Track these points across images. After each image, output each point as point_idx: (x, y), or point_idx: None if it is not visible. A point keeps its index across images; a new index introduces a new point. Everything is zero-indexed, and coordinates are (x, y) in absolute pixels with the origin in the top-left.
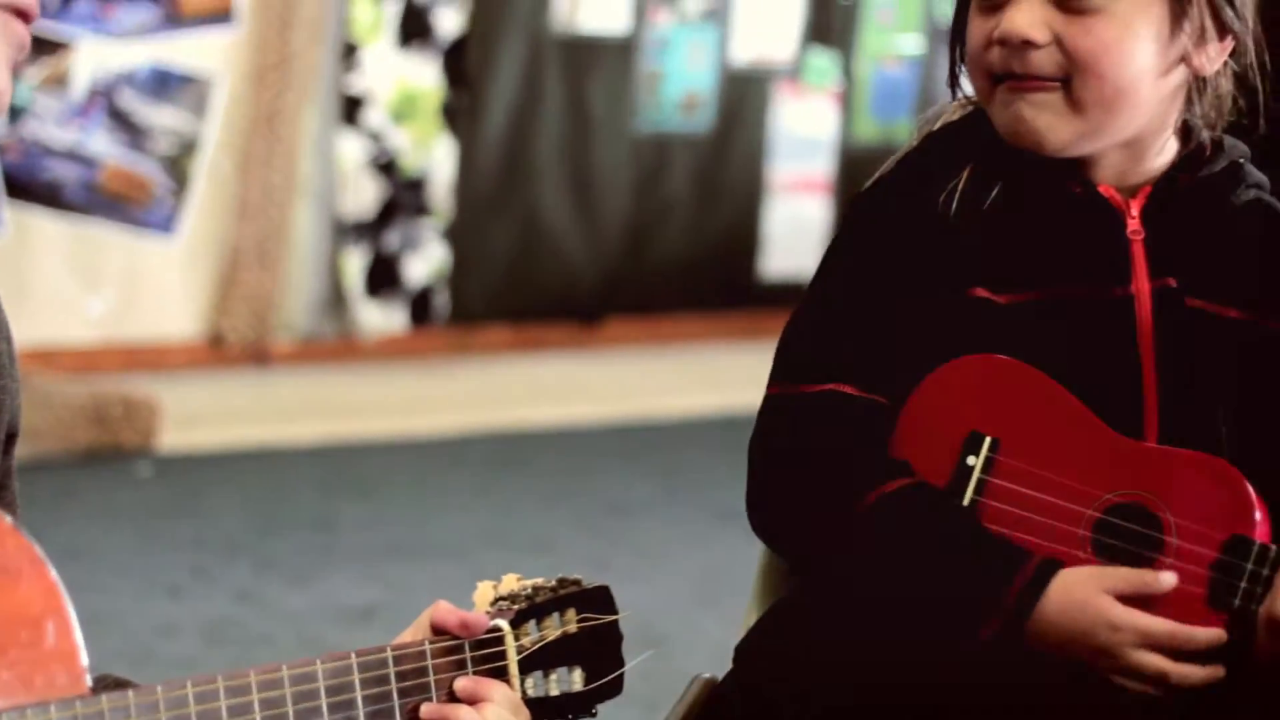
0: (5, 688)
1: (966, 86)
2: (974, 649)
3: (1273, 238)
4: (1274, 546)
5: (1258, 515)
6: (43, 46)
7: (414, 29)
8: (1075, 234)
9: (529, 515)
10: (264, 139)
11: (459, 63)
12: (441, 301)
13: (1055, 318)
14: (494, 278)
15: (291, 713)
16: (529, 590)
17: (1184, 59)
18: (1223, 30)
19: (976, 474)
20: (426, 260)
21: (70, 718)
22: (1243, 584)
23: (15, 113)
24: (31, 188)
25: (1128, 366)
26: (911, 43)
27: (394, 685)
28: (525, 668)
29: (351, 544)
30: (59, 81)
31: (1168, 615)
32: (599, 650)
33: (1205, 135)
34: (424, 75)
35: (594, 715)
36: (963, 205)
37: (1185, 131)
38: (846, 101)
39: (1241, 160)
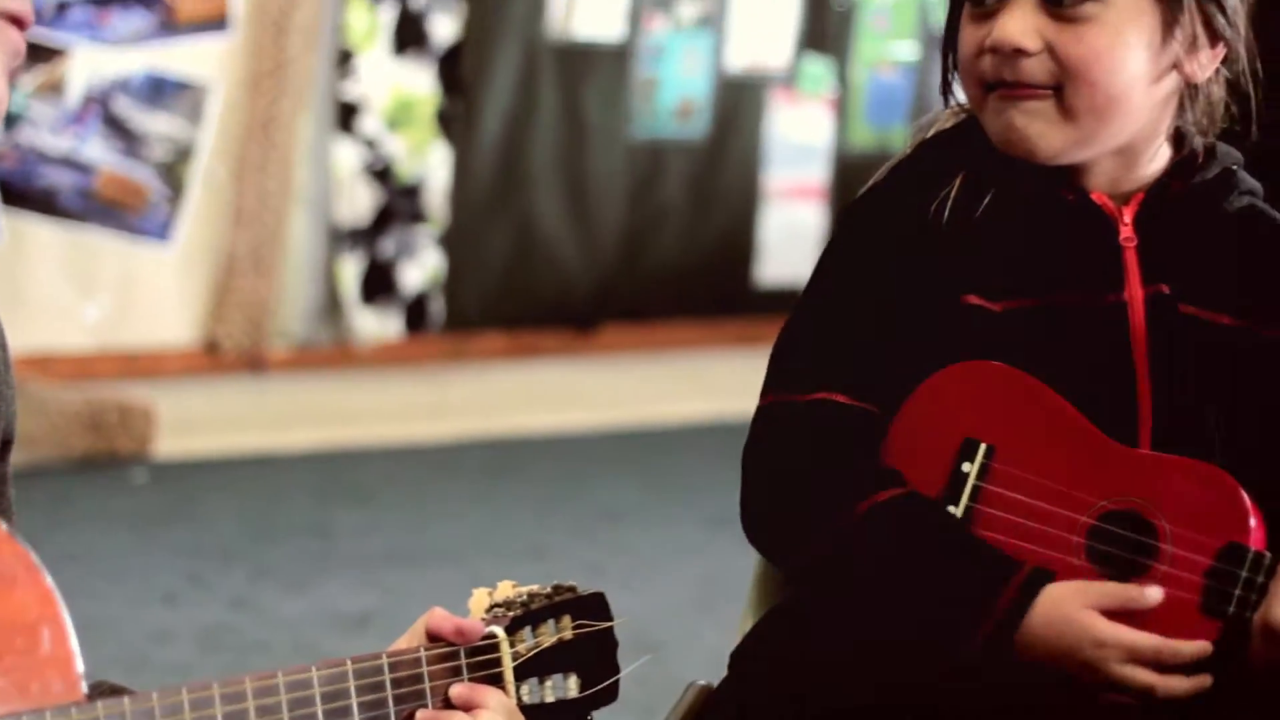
0: (1, 695)
1: (960, 94)
2: (967, 655)
3: (1266, 244)
4: (1269, 554)
5: (1252, 522)
6: (38, 53)
7: (409, 36)
8: (1068, 241)
9: (524, 522)
10: (259, 146)
11: (454, 70)
12: (437, 308)
13: (1048, 325)
14: (489, 284)
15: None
16: (524, 597)
17: (1176, 66)
18: (1214, 37)
19: (971, 480)
20: (422, 267)
21: None
22: (1237, 591)
23: (10, 120)
24: (27, 195)
25: (1121, 373)
26: (906, 49)
27: (389, 692)
28: (521, 674)
29: (347, 551)
30: (54, 88)
31: (1162, 623)
32: (594, 657)
33: (1198, 142)
34: (419, 82)
35: None
36: (955, 213)
37: (1178, 138)
38: (841, 108)
39: (1234, 167)
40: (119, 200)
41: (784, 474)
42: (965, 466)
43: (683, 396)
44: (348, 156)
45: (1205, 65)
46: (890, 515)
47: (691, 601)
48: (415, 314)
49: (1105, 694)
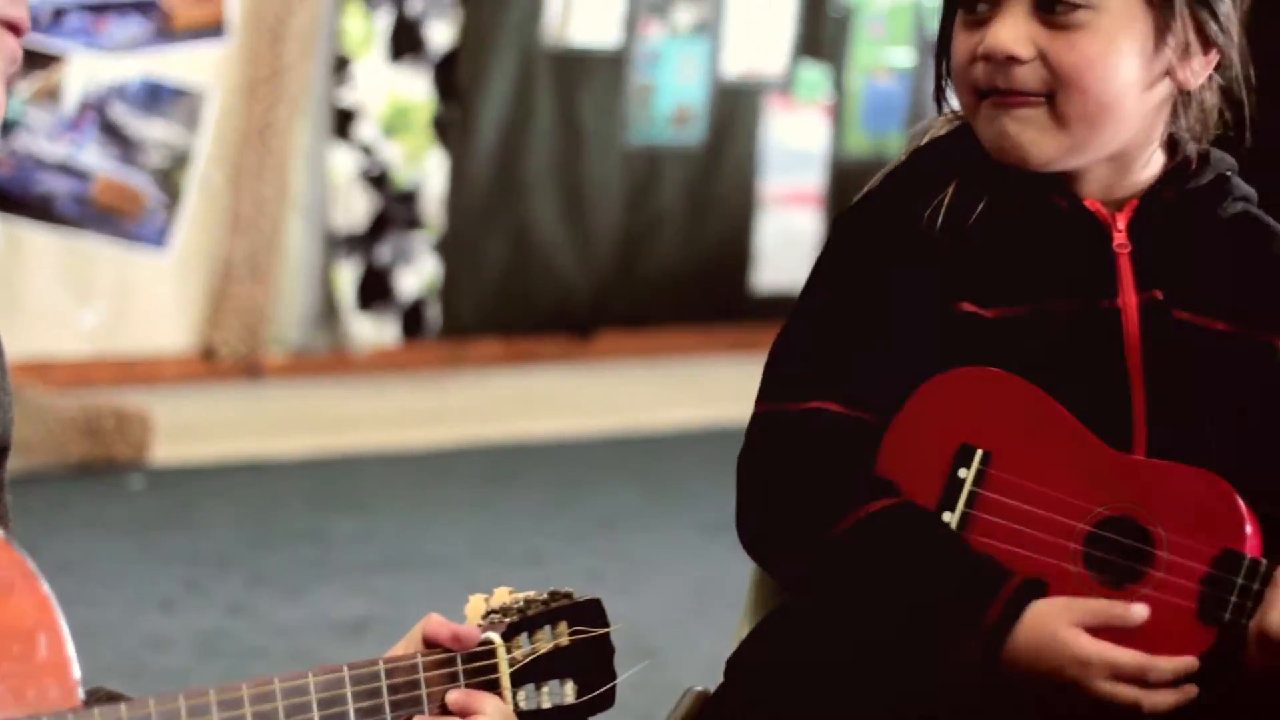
0: None
1: (954, 101)
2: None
3: (1260, 250)
4: (1264, 561)
5: (1248, 529)
6: (35, 60)
7: (405, 42)
8: (1062, 248)
9: (521, 528)
10: (256, 152)
11: (450, 76)
12: (433, 314)
13: (1042, 331)
14: (486, 291)
15: None
16: (521, 603)
17: (1169, 73)
18: (1207, 44)
19: (968, 487)
20: (418, 273)
21: None
22: (1233, 598)
23: (7, 126)
24: (23, 201)
25: (1115, 379)
26: (902, 56)
27: (386, 698)
28: (517, 680)
29: (344, 557)
30: (51, 95)
31: (1159, 630)
32: (591, 663)
33: (1191, 149)
34: (415, 88)
35: None
36: (949, 220)
37: (1172, 145)
38: (837, 114)
39: (1229, 173)
40: (116, 207)
41: (777, 484)
42: (962, 472)
43: (680, 402)
44: (344, 163)
45: (1198, 72)
46: (880, 526)
47: (689, 607)
48: (412, 320)
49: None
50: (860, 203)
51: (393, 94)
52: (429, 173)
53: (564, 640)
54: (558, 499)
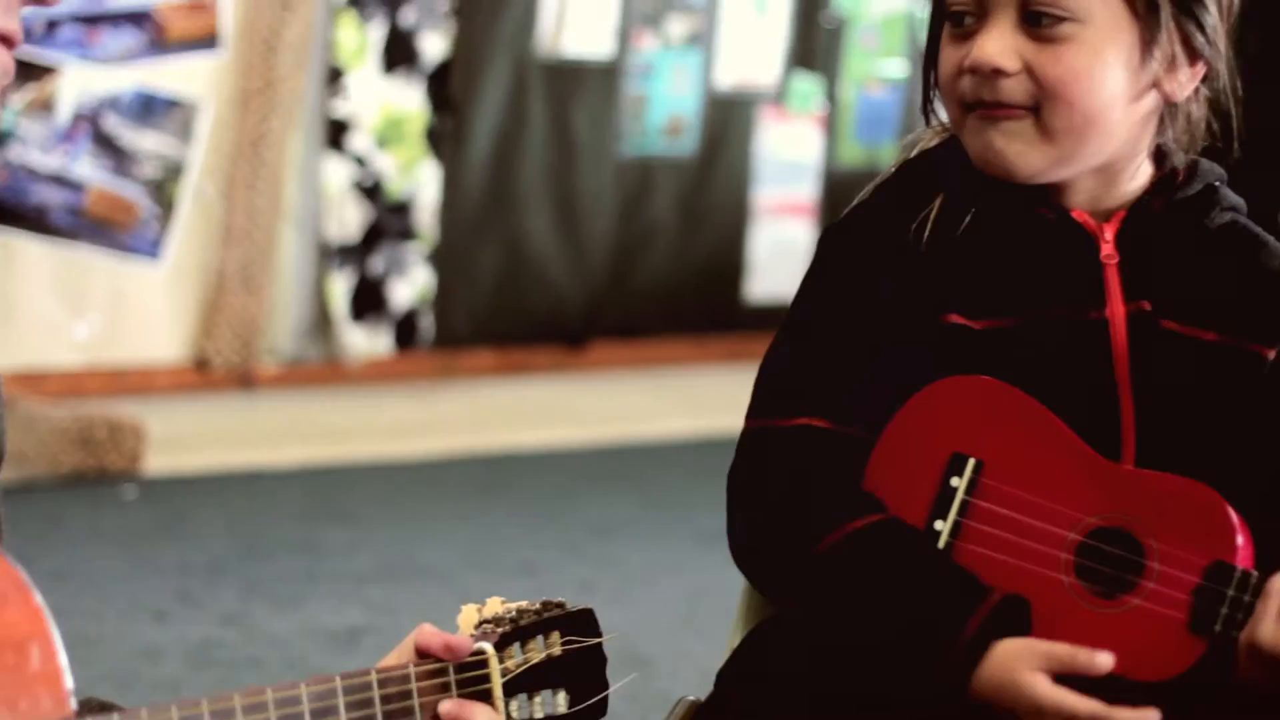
0: None
1: (942, 113)
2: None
3: (1249, 260)
4: (1255, 573)
5: (1239, 540)
6: (28, 71)
7: (399, 54)
8: (1049, 259)
9: (514, 538)
10: (249, 163)
11: (444, 87)
12: (426, 325)
13: (1030, 342)
14: (479, 301)
15: None
16: (513, 613)
17: (1155, 85)
18: (1193, 56)
19: (960, 495)
20: (411, 284)
21: None
22: (1223, 610)
23: (1, 137)
24: (17, 212)
25: (1103, 391)
26: (895, 67)
27: (379, 708)
28: (510, 691)
29: (337, 567)
30: (44, 106)
31: (1150, 642)
32: (583, 673)
33: (1180, 159)
34: (409, 100)
35: None
36: (937, 231)
37: (1160, 156)
38: (831, 125)
39: (1217, 183)
40: (109, 218)
41: (764, 501)
42: (954, 481)
43: (672, 413)
44: (337, 174)
45: (1184, 84)
46: (862, 544)
47: (681, 617)
48: (405, 331)
49: None
50: (849, 215)
51: (386, 105)
52: (422, 184)
53: (556, 650)
54: (551, 509)
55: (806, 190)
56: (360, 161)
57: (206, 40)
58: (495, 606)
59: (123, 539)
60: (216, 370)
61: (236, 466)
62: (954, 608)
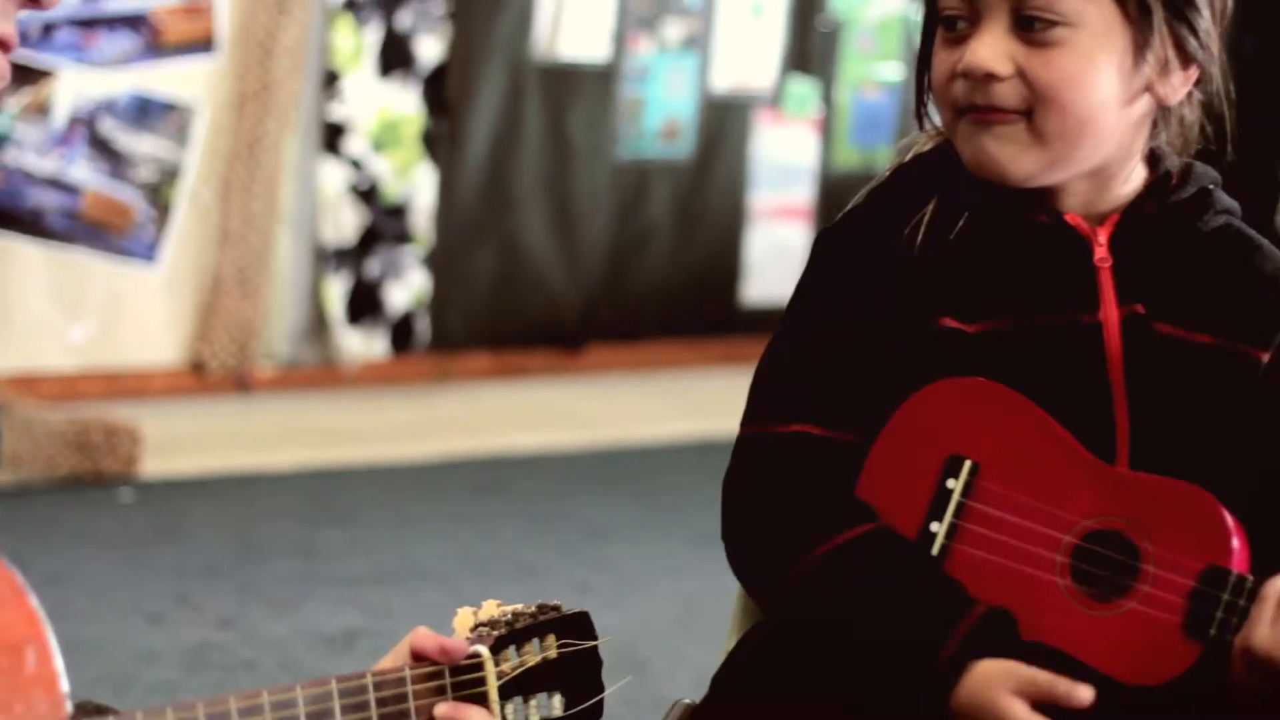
0: None
1: (936, 117)
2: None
3: (1243, 262)
4: (1250, 577)
5: (1235, 544)
6: (24, 75)
7: (395, 57)
8: (1043, 263)
9: (509, 541)
10: (245, 167)
11: (440, 90)
12: (423, 328)
13: (1024, 345)
14: (475, 304)
15: None
16: (509, 616)
17: (1148, 89)
18: (1186, 60)
19: (956, 497)
20: (408, 287)
21: None
22: (1219, 614)
23: None
24: (13, 215)
25: (1097, 394)
26: (891, 70)
27: (374, 711)
28: (505, 694)
29: (333, 570)
30: (40, 110)
31: (1145, 645)
32: (579, 676)
33: (1174, 162)
34: (405, 103)
35: None
36: (931, 235)
37: (1153, 159)
38: (826, 129)
39: (1211, 186)
40: (105, 221)
41: (757, 508)
42: (950, 483)
43: (668, 415)
44: (333, 177)
45: (1177, 88)
46: (851, 555)
47: (677, 620)
48: (401, 334)
49: None
50: (843, 219)
51: (382, 108)
52: (418, 187)
53: (552, 653)
54: (547, 512)
55: (802, 193)
56: (356, 165)
57: (202, 44)
58: (491, 609)
59: (119, 542)
60: (213, 373)
61: (233, 469)
62: (935, 624)
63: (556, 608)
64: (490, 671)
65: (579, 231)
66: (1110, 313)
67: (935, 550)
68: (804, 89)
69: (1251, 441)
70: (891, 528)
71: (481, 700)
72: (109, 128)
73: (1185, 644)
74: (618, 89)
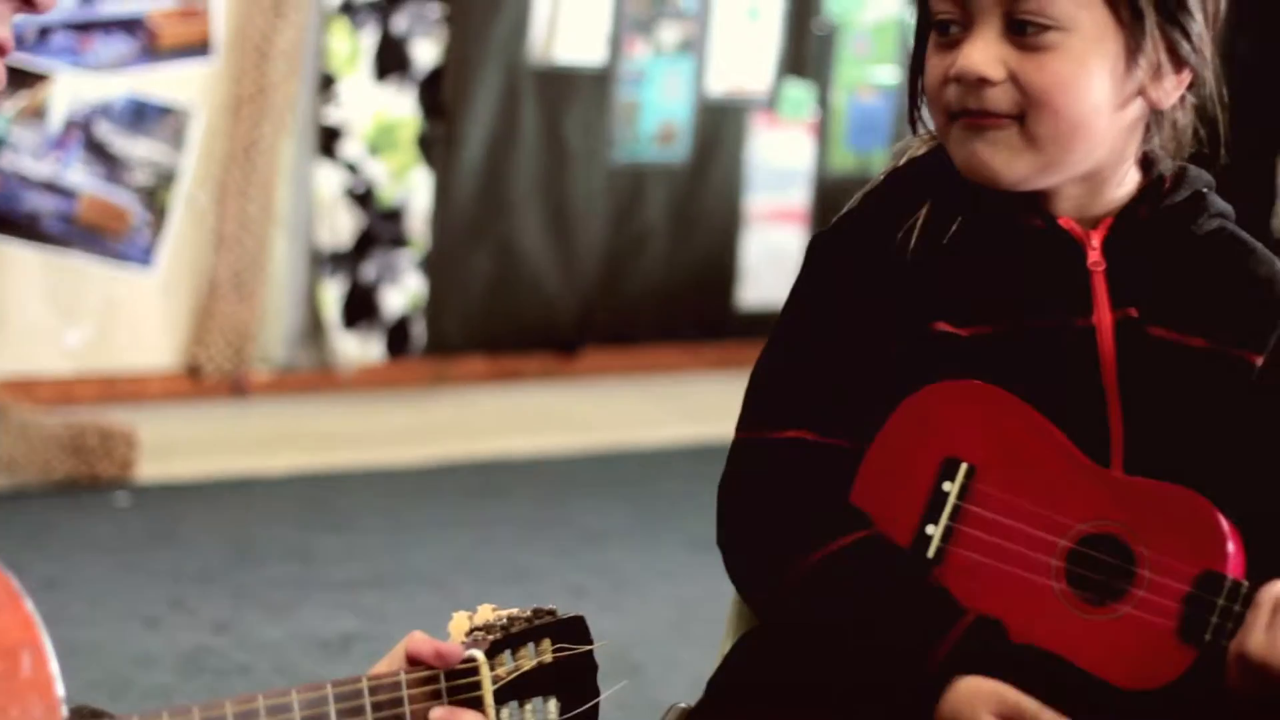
0: None
1: (929, 121)
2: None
3: (1237, 266)
4: (1245, 583)
5: (1230, 548)
6: (20, 79)
7: (391, 61)
8: (1036, 266)
9: (505, 545)
10: (241, 170)
11: (435, 94)
12: (418, 332)
13: (1017, 350)
14: (471, 308)
15: None
16: (504, 620)
17: (1141, 93)
18: (1179, 64)
19: (952, 500)
20: (404, 291)
21: None
22: (1213, 619)
23: None
24: (9, 219)
25: (1091, 398)
26: (887, 74)
27: (369, 716)
28: (500, 698)
29: (328, 574)
30: (36, 113)
31: (1139, 649)
32: (574, 680)
33: (1167, 166)
34: (401, 106)
35: None
36: (924, 239)
37: (1147, 163)
38: (822, 132)
39: (1205, 190)
40: (101, 225)
41: (751, 514)
42: (946, 486)
43: (665, 420)
44: (329, 181)
45: (1170, 92)
46: (840, 566)
47: (673, 624)
48: (397, 338)
49: None
50: (837, 223)
51: (378, 112)
52: (414, 190)
53: (547, 658)
54: (542, 516)
55: (798, 197)
56: (352, 168)
57: (198, 47)
58: (486, 614)
59: (114, 546)
60: (208, 377)
61: (228, 473)
62: (924, 633)
63: (552, 612)
64: (485, 676)
65: (575, 235)
66: (1104, 316)
67: (931, 553)
68: (800, 92)
69: (1246, 445)
70: (884, 535)
71: (477, 705)
72: (105, 131)
73: (1180, 649)
74: (613, 92)
